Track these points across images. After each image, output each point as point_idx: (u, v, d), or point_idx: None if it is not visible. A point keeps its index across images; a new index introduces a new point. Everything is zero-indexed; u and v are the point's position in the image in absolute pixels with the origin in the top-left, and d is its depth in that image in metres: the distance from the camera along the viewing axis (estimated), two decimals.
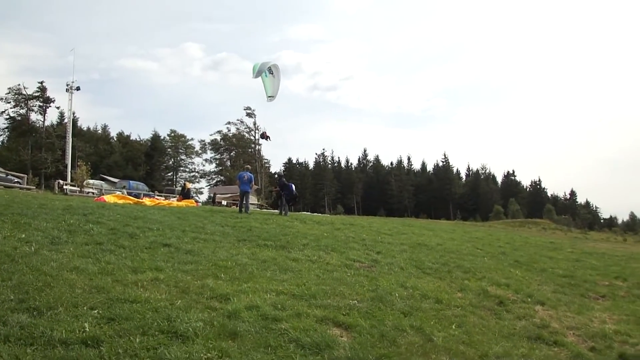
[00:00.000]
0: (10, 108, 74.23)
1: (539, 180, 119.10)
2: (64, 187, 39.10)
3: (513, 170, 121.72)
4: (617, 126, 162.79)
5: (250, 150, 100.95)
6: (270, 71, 21.89)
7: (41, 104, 75.39)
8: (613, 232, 58.32)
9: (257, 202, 59.57)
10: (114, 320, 5.09)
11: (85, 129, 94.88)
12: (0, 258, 6.84)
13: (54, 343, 4.42)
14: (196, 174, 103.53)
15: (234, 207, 33.05)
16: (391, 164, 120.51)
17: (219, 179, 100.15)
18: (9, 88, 73.60)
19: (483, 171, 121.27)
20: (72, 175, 48.27)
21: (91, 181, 45.82)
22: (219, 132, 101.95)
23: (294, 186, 23.04)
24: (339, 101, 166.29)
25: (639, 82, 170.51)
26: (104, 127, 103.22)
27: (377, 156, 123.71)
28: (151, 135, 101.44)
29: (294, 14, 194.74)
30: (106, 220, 11.44)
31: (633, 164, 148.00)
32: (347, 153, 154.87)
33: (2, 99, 72.80)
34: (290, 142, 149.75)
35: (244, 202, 20.98)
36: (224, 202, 50.99)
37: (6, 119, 75.44)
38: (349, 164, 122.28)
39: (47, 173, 67.65)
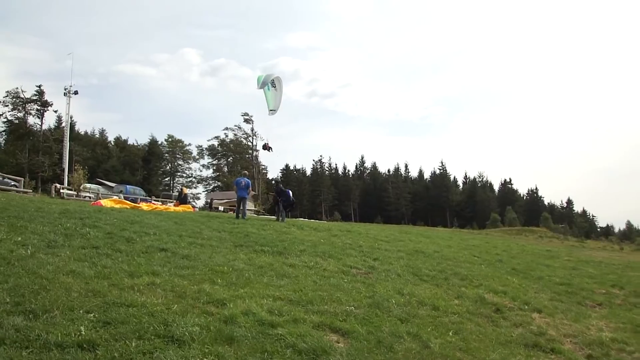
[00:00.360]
0: (8, 111, 74.61)
1: (536, 188, 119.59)
2: (61, 190, 38.98)
3: (510, 179, 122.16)
4: (613, 135, 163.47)
5: (247, 156, 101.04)
6: (273, 84, 21.90)
7: (39, 108, 75.54)
8: (610, 240, 58.32)
9: (254, 208, 59.54)
10: (110, 324, 5.06)
11: (82, 133, 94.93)
12: None
13: (49, 346, 4.39)
14: (193, 179, 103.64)
15: (231, 212, 33.00)
16: (388, 171, 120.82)
17: (216, 185, 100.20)
18: (7, 91, 74.01)
19: (480, 179, 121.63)
20: (69, 179, 48.20)
21: (88, 185, 45.70)
22: (217, 137, 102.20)
23: (291, 192, 23.07)
24: (336, 108, 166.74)
25: (635, 91, 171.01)
26: (102, 132, 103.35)
27: (375, 163, 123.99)
28: (149, 140, 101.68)
29: (292, 21, 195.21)
30: (103, 225, 11.42)
31: (629, 172, 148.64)
32: (345, 160, 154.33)
33: (0, 102, 72.90)
34: (288, 148, 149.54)
35: (241, 207, 20.98)
36: (221, 208, 50.98)
37: (4, 122, 75.70)
38: (347, 171, 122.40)
39: (44, 177, 67.55)
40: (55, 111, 78.03)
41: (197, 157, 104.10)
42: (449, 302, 8.74)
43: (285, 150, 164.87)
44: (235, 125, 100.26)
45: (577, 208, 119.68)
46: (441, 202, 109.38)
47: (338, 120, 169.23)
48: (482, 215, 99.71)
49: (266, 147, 23.26)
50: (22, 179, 38.86)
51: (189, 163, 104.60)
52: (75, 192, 39.09)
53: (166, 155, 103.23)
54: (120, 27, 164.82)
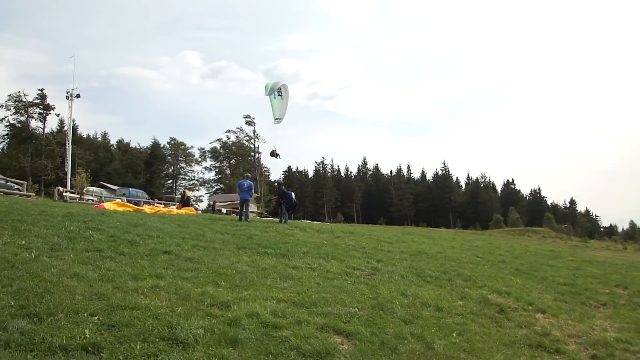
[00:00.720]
0: (11, 115, 74.64)
1: (539, 188, 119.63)
2: (64, 194, 39.09)
3: (513, 179, 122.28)
4: (616, 135, 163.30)
5: (250, 158, 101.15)
6: (280, 92, 21.97)
7: (41, 111, 75.68)
8: (613, 240, 58.30)
9: (256, 210, 59.58)
10: (115, 327, 5.07)
11: (85, 136, 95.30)
12: (0, 264, 6.82)
13: (54, 349, 4.39)
14: (196, 181, 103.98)
15: (234, 215, 33.03)
16: (391, 172, 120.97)
17: (218, 187, 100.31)
18: (9, 95, 74.11)
19: (483, 180, 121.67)
20: (71, 183, 48.37)
21: (91, 188, 45.84)
22: (219, 140, 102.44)
23: (293, 194, 23.08)
24: (338, 110, 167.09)
25: (638, 90, 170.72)
26: (104, 135, 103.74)
27: (377, 165, 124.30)
28: (151, 143, 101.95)
29: (292, 23, 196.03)
30: (106, 228, 11.43)
31: (632, 172, 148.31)
32: (347, 161, 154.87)
33: (2, 105, 73.13)
34: (290, 150, 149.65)
35: (244, 210, 21.00)
36: (224, 210, 51.01)
37: (6, 126, 75.79)
38: (349, 173, 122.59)
39: (47, 180, 67.66)
40: (58, 114, 78.52)
41: (200, 159, 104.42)
42: (452, 303, 8.72)
43: (287, 153, 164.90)
44: (237, 128, 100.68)
45: (580, 208, 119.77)
46: (444, 203, 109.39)
47: (339, 121, 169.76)
48: (485, 216, 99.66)
49: (273, 154, 23.35)
50: (25, 182, 38.91)
51: (191, 166, 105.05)
52: (78, 195, 39.23)
53: (168, 158, 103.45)
54: (121, 30, 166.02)
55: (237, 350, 5.03)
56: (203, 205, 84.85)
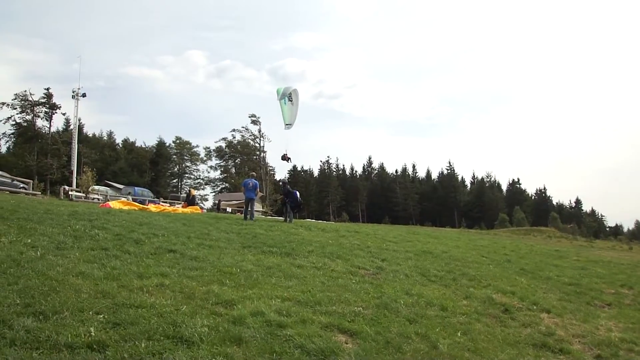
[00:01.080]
0: (17, 114, 75.09)
1: (544, 188, 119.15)
2: (70, 193, 39.22)
3: (518, 178, 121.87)
4: (621, 134, 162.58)
5: (255, 157, 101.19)
6: (290, 98, 22.07)
7: (47, 110, 76.14)
8: (619, 240, 58.02)
9: (262, 209, 59.64)
10: (120, 325, 5.09)
11: (90, 135, 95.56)
12: (6, 262, 6.85)
13: (59, 347, 4.42)
14: (201, 180, 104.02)
15: (239, 214, 33.06)
16: (396, 171, 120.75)
17: (223, 186, 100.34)
18: (15, 94, 74.57)
19: (488, 179, 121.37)
20: (77, 181, 48.49)
21: (96, 187, 45.98)
22: (224, 139, 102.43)
23: (298, 193, 23.09)
24: (343, 109, 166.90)
25: None
26: (110, 134, 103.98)
27: (382, 164, 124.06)
28: (156, 142, 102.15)
29: (297, 22, 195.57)
30: (112, 226, 11.47)
31: (638, 172, 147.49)
32: (352, 161, 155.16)
33: (8, 105, 73.46)
34: (295, 149, 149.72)
35: (249, 209, 21.01)
36: (229, 209, 51.07)
37: (12, 125, 76.16)
38: (354, 172, 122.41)
39: (53, 179, 67.98)
40: (64, 114, 78.81)
41: (205, 158, 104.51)
42: (457, 303, 8.72)
43: (292, 152, 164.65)
44: (243, 127, 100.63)
45: (586, 208, 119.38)
46: (449, 203, 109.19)
47: (344, 121, 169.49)
48: (490, 216, 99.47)
49: (285, 158, 23.44)
50: (31, 181, 39.08)
51: (196, 165, 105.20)
52: (83, 194, 39.34)
53: (174, 157, 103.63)
54: (126, 29, 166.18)
55: (241, 348, 5.04)
56: (208, 204, 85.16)
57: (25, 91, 74.57)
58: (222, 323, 5.62)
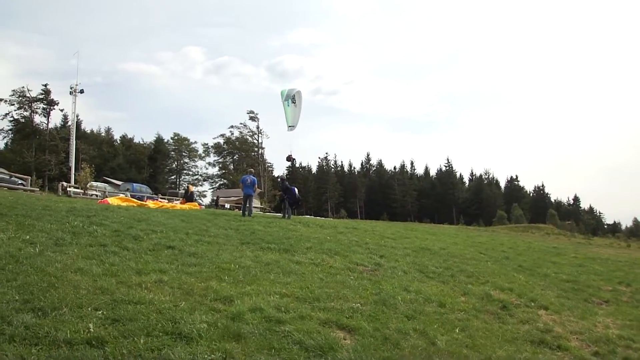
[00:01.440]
0: (15, 110, 74.80)
1: (543, 185, 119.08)
2: (68, 189, 39.14)
3: (516, 175, 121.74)
4: (619, 132, 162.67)
5: (253, 153, 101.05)
6: (293, 100, 22.17)
7: (45, 107, 75.92)
8: (616, 237, 58.23)
9: (260, 206, 59.63)
10: (119, 321, 5.10)
11: (89, 131, 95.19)
12: (4, 259, 6.86)
13: (58, 343, 4.43)
14: (199, 177, 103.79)
15: (237, 210, 33.05)
16: (394, 168, 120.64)
17: (222, 182, 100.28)
18: (13, 90, 74.25)
19: (486, 176, 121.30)
20: (75, 178, 48.41)
21: (95, 183, 45.84)
22: (222, 135, 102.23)
23: (296, 190, 23.08)
24: (341, 105, 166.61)
25: None
26: (108, 130, 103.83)
27: (380, 161, 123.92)
28: (154, 139, 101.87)
29: (295, 19, 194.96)
30: (110, 223, 11.46)
31: (636, 170, 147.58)
32: (350, 157, 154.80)
33: (6, 101, 73.28)
34: (293, 146, 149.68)
35: (247, 205, 21.01)
36: (227, 205, 50.99)
37: (10, 121, 75.90)
38: (352, 168, 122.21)
39: (51, 175, 67.82)
40: (62, 110, 78.51)
41: (203, 155, 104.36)
42: (455, 299, 8.75)
43: (290, 148, 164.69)
44: (241, 123, 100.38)
45: (584, 205, 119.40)
46: (447, 199, 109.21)
47: (343, 117, 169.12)
48: (489, 213, 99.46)
49: (290, 159, 23.53)
50: (29, 177, 39.00)
51: (195, 161, 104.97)
52: (82, 191, 39.24)
53: (172, 153, 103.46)
54: (124, 25, 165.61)
55: (240, 344, 5.06)
56: (206, 200, 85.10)
57: (23, 87, 74.31)
58: (220, 319, 5.64)
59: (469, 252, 15.72)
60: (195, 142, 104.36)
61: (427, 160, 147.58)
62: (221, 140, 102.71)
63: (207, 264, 8.52)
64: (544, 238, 38.91)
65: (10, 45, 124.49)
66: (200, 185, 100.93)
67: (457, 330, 6.89)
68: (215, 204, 54.13)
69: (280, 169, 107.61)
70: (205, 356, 4.63)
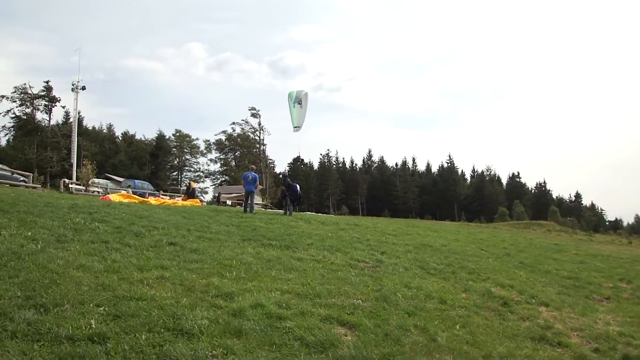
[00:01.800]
0: (16, 107, 74.71)
1: (544, 182, 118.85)
2: (70, 186, 39.20)
3: (518, 172, 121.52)
4: (621, 128, 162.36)
5: (255, 150, 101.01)
6: (299, 101, 22.29)
7: (47, 103, 75.81)
8: (618, 234, 58.07)
9: (261, 202, 59.67)
10: (120, 318, 5.12)
11: (90, 128, 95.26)
12: (7, 255, 6.87)
13: (60, 339, 4.45)
14: (201, 173, 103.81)
15: (239, 206, 33.07)
16: (396, 164, 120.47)
17: (223, 179, 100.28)
18: (15, 87, 74.17)
19: (488, 172, 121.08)
20: (77, 174, 48.42)
21: (96, 180, 45.91)
22: (224, 132, 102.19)
23: (298, 186, 23.11)
24: (343, 102, 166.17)
25: None
26: (109, 127, 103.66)
27: (382, 157, 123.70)
28: (156, 135, 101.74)
29: (297, 14, 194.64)
30: (112, 219, 11.49)
31: (639, 166, 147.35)
32: (352, 154, 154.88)
33: (8, 97, 73.25)
34: (295, 142, 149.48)
35: (249, 201, 21.03)
36: (229, 202, 51.02)
37: (12, 118, 75.90)
38: (354, 165, 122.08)
39: (53, 172, 67.75)
40: (63, 106, 78.36)
41: (205, 151, 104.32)
42: (456, 296, 8.76)
43: (292, 145, 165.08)
44: (243, 120, 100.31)
45: (586, 202, 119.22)
46: (449, 196, 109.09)
47: (345, 114, 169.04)
48: (490, 209, 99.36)
49: (298, 160, 23.78)
50: (31, 174, 38.98)
51: (196, 157, 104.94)
52: (83, 187, 39.29)
53: (174, 149, 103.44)
54: (126, 22, 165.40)
55: (241, 340, 5.08)
56: (208, 197, 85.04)
57: (25, 84, 74.24)
58: (222, 315, 5.66)
59: (470, 249, 15.74)
60: (197, 139, 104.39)
61: (429, 156, 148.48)
62: (223, 137, 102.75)
63: (209, 260, 8.54)
64: (545, 235, 38.92)
65: (12, 41, 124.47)
66: (202, 182, 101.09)
67: (457, 327, 6.91)
68: (216, 200, 54.17)
69: (282, 166, 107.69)
70: (207, 352, 4.64)
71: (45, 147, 72.12)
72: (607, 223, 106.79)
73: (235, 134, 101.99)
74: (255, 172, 22.37)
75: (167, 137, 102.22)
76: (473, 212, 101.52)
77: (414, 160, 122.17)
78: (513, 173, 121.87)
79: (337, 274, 8.92)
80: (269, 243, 11.19)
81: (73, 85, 56.83)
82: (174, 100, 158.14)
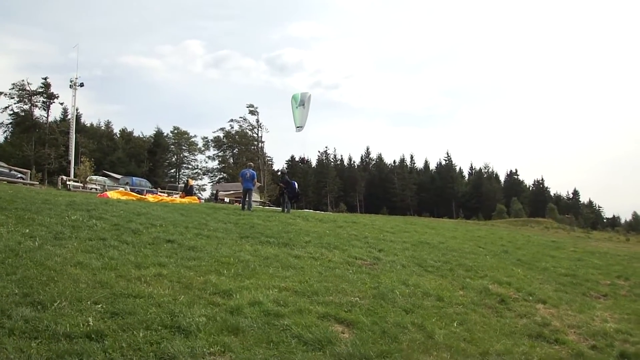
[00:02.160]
0: (14, 104, 74.58)
1: (542, 179, 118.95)
2: (67, 183, 39.18)
3: (516, 169, 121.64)
4: (619, 125, 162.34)
5: (253, 147, 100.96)
6: (302, 102, 22.49)
7: (45, 100, 75.67)
8: (616, 231, 58.07)
9: (259, 200, 59.67)
10: (118, 315, 5.12)
11: (88, 125, 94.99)
12: (4, 252, 6.86)
13: (58, 337, 4.44)
14: (199, 171, 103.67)
15: (237, 204, 33.08)
16: (394, 162, 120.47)
17: (221, 176, 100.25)
18: (13, 84, 73.99)
19: (486, 170, 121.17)
20: (75, 171, 48.40)
21: (94, 177, 45.85)
22: (222, 129, 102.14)
23: (296, 184, 23.13)
24: (341, 99, 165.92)
25: None
26: (107, 124, 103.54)
27: (380, 154, 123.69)
28: (154, 132, 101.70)
29: (295, 11, 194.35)
30: (109, 216, 11.48)
31: (636, 163, 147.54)
32: (350, 151, 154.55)
33: (5, 94, 73.12)
34: (293, 139, 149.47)
35: (247, 199, 21.04)
36: (227, 199, 51.03)
37: (10, 115, 75.74)
38: (352, 162, 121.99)
39: (51, 169, 67.74)
40: (61, 103, 78.26)
41: (203, 148, 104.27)
42: (453, 293, 8.77)
43: (290, 142, 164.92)
44: (241, 117, 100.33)
45: (583, 199, 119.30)
46: (447, 193, 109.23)
47: (342, 111, 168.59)
48: (488, 206, 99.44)
49: (303, 161, 23.94)
50: (29, 171, 38.92)
51: (194, 155, 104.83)
52: (81, 184, 39.26)
53: (172, 147, 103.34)
54: (124, 19, 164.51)
55: (238, 338, 5.08)
56: (206, 194, 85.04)
57: (23, 81, 74.03)
58: (219, 313, 5.66)
59: (467, 246, 15.75)
60: (195, 136, 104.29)
61: (426, 154, 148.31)
62: (221, 134, 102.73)
63: (206, 257, 8.54)
64: (543, 232, 38.97)
65: (10, 38, 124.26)
66: (200, 179, 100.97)
67: (455, 324, 6.92)
68: (214, 197, 54.16)
69: (280, 163, 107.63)
70: (204, 349, 4.65)
71: (43, 144, 72.04)
72: (604, 220, 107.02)
73: (233, 131, 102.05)
74: (253, 170, 22.37)
75: (165, 134, 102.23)
76: (471, 209, 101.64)
77: (412, 157, 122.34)
78: (511, 170, 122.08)
79: (334, 272, 8.92)
80: (266, 240, 11.19)
81: (71, 82, 56.91)
82: (171, 97, 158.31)
